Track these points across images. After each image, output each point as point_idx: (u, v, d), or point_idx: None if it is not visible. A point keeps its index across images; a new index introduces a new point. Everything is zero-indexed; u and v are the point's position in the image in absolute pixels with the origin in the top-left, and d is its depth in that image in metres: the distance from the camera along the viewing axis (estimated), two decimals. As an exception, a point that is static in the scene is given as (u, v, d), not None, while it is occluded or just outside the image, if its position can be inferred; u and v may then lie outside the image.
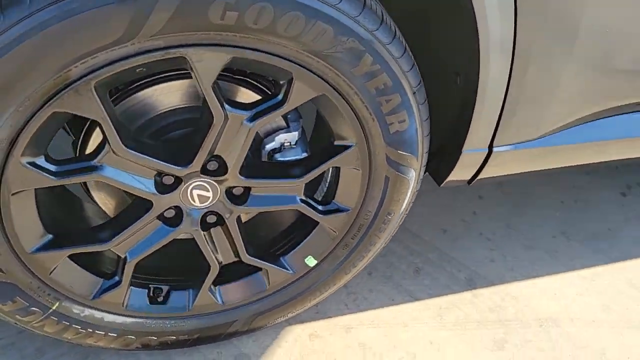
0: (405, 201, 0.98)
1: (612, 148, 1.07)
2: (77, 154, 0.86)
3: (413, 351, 1.15)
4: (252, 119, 0.81)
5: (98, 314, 0.96)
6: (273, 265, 1.01)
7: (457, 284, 1.29)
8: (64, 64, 0.66)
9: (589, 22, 0.84)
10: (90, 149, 0.84)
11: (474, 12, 0.79)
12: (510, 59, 0.84)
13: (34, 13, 0.62)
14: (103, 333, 0.98)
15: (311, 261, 1.03)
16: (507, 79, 0.87)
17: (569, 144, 1.00)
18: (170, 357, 1.09)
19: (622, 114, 1.00)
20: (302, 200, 0.94)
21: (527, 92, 0.90)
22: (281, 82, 0.80)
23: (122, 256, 0.92)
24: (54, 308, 0.91)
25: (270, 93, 0.87)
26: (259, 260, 1.00)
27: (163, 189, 0.86)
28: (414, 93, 0.84)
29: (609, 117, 0.99)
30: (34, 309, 0.90)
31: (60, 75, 0.67)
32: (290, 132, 0.92)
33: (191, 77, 0.80)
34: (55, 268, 0.88)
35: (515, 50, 0.83)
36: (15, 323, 0.93)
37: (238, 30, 0.69)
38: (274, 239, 1.05)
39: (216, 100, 0.77)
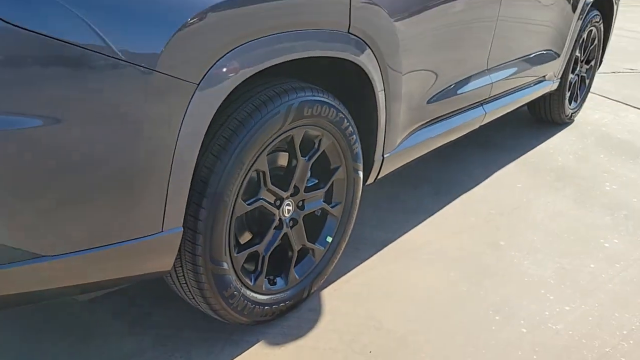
0: (360, 190, 2.02)
1: (427, 144, 2.33)
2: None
3: (388, 277, 2.14)
4: (308, 160, 1.78)
5: (255, 295, 1.72)
6: (316, 245, 1.92)
7: (380, 246, 2.34)
8: (265, 143, 1.56)
9: (404, 92, 2.07)
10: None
11: (377, 107, 1.93)
12: (385, 120, 2.00)
13: (264, 118, 1.52)
14: (258, 307, 1.73)
15: (329, 239, 1.97)
16: (385, 126, 2.02)
17: (414, 143, 2.22)
18: (280, 321, 1.85)
19: (427, 126, 2.28)
20: (323, 201, 1.91)
21: (389, 127, 2.06)
22: (314, 140, 1.79)
23: (261, 254, 1.73)
24: (241, 292, 1.66)
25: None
26: (311, 244, 1.90)
27: (277, 207, 1.73)
28: (357, 133, 1.92)
29: (422, 129, 2.26)
30: (235, 293, 1.63)
31: (260, 151, 1.56)
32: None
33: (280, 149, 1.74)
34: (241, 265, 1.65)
35: (386, 115, 2.00)
36: (219, 312, 1.63)
37: (311, 117, 1.69)
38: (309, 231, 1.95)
39: (300, 153, 1.72)
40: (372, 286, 2.08)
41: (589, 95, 4.23)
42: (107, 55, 1.15)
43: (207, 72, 1.32)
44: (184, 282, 1.58)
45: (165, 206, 1.35)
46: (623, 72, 5.57)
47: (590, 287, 2.16)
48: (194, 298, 1.63)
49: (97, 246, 1.27)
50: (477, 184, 2.95)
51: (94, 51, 1.13)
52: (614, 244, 2.47)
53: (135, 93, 1.21)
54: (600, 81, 4.91)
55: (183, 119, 1.30)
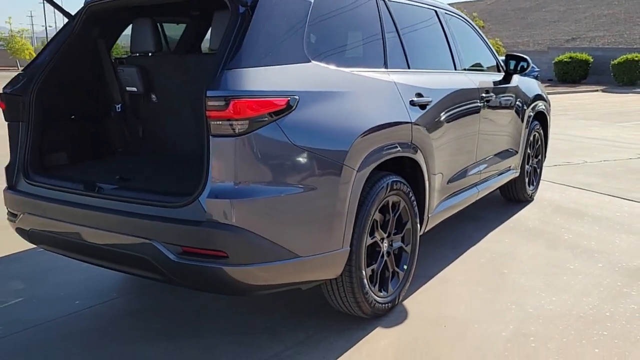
0: (418, 236, 3.28)
1: (449, 210, 3.64)
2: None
3: (440, 293, 3.34)
4: (394, 216, 3.05)
5: (374, 296, 2.89)
6: (399, 270, 3.14)
7: (428, 279, 3.55)
8: (378, 204, 2.84)
9: (436, 179, 3.42)
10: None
11: (425, 186, 3.26)
12: (428, 194, 3.32)
13: (377, 190, 2.81)
14: (377, 304, 2.90)
15: (405, 266, 3.20)
16: (428, 198, 3.34)
17: (442, 209, 3.53)
18: (384, 317, 3.01)
19: (447, 199, 3.61)
20: (401, 241, 3.16)
21: (430, 198, 3.37)
22: (396, 204, 3.07)
23: (376, 271, 2.93)
24: (370, 292, 2.84)
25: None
26: (397, 269, 3.12)
27: (381, 242, 2.97)
28: (416, 201, 3.22)
29: (445, 200, 3.58)
30: (368, 292, 2.80)
31: (376, 208, 2.84)
32: (389, 225, 3.17)
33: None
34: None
35: (429, 191, 3.33)
36: (360, 304, 2.80)
37: (396, 190, 2.97)
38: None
39: (391, 211, 3.00)
40: (432, 299, 3.29)
41: (542, 181, 5.72)
42: (326, 158, 2.46)
43: (360, 164, 2.63)
44: (342, 285, 2.77)
45: (344, 233, 2.59)
46: (562, 165, 7.19)
47: (565, 288, 3.42)
48: (345, 295, 2.79)
49: (321, 252, 2.49)
50: (478, 240, 4.26)
51: (321, 155, 2.45)
52: (576, 266, 3.77)
53: (336, 173, 2.51)
54: (547, 172, 6.45)
55: (352, 186, 2.59)
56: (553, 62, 26.47)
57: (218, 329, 2.95)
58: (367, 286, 2.83)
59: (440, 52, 3.84)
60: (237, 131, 2.21)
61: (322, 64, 2.64)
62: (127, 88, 3.26)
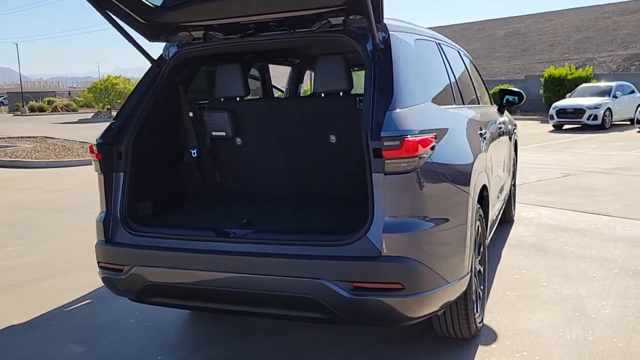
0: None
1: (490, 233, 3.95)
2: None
3: (503, 310, 3.62)
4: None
5: (476, 316, 3.10)
6: (480, 290, 3.38)
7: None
8: None
9: (492, 198, 3.73)
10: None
11: (488, 210, 3.55)
12: (490, 214, 3.62)
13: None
14: (478, 324, 3.10)
15: (481, 287, 3.44)
16: (490, 217, 3.64)
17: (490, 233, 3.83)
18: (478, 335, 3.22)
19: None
20: (479, 263, 3.41)
21: (490, 219, 3.68)
22: (479, 230, 3.32)
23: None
24: (475, 314, 3.04)
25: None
26: (479, 289, 3.35)
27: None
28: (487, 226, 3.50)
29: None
30: (475, 313, 3.01)
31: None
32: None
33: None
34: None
35: (490, 210, 3.63)
36: (469, 324, 2.98)
37: (480, 220, 3.24)
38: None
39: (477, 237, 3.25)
40: (502, 314, 3.56)
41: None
42: (459, 187, 2.67)
43: (473, 191, 2.86)
44: (456, 307, 2.93)
45: (465, 260, 2.78)
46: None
47: (606, 294, 3.85)
48: (458, 317, 2.96)
49: (458, 277, 2.66)
50: (499, 258, 4.63)
51: (456, 186, 2.65)
52: (598, 274, 4.24)
53: (466, 201, 2.72)
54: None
55: (472, 213, 2.80)
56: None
57: (333, 364, 2.99)
58: (475, 309, 3.03)
59: (470, 88, 4.20)
60: (407, 168, 2.35)
61: (433, 104, 2.85)
62: (213, 133, 3.22)
